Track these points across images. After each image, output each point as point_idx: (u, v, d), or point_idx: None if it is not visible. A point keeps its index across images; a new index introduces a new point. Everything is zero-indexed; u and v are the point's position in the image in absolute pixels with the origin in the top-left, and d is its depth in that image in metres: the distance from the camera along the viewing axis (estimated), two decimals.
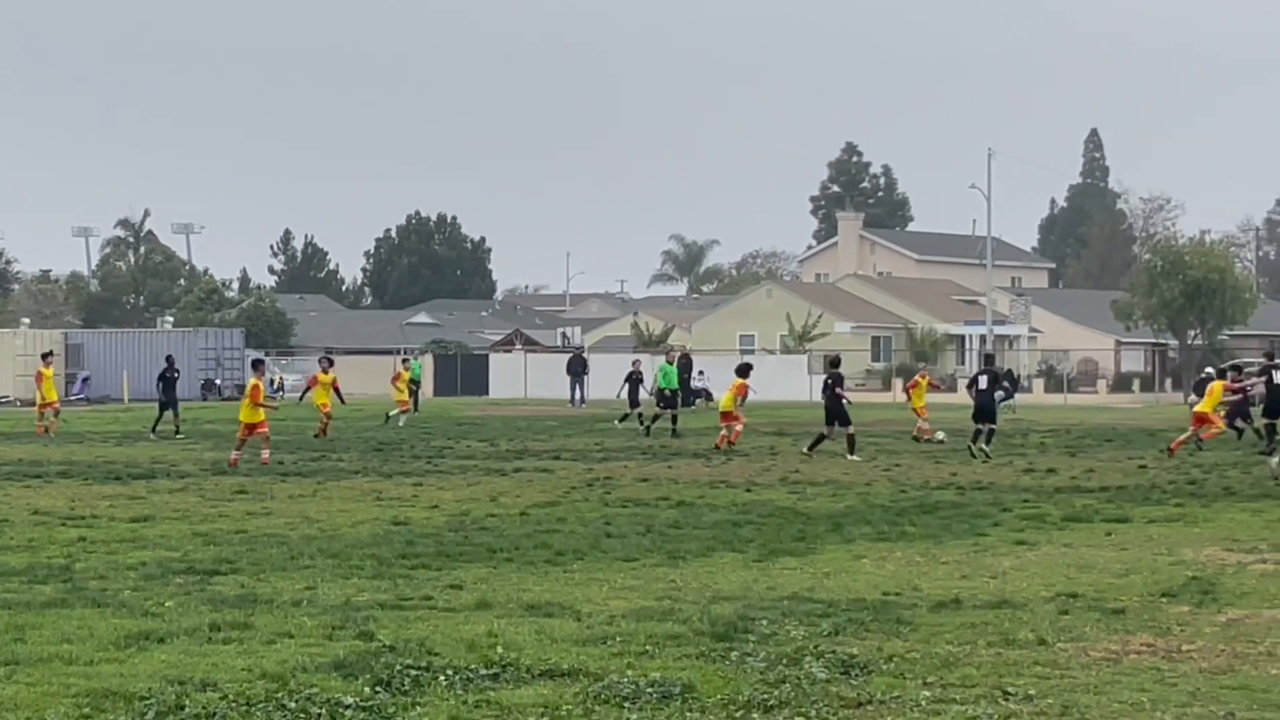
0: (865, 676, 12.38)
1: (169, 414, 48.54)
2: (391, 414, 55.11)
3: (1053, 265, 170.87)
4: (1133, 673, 12.63)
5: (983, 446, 37.87)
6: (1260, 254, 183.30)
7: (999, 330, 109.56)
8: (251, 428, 35.88)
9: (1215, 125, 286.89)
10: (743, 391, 42.63)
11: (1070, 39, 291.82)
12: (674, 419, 47.38)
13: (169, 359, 52.92)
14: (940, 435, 43.81)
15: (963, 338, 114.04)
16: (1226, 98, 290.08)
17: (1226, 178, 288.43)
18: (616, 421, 54.15)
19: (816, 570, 18.62)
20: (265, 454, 35.56)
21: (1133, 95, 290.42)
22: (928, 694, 11.74)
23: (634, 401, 55.89)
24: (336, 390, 46.60)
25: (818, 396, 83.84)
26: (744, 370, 43.63)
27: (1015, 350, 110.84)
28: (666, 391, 49.10)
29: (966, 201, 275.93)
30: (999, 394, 39.40)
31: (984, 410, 39.30)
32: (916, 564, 19.23)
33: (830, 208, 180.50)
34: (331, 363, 48.92)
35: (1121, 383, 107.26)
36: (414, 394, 64.08)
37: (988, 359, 44.23)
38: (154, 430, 47.97)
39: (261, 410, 36.16)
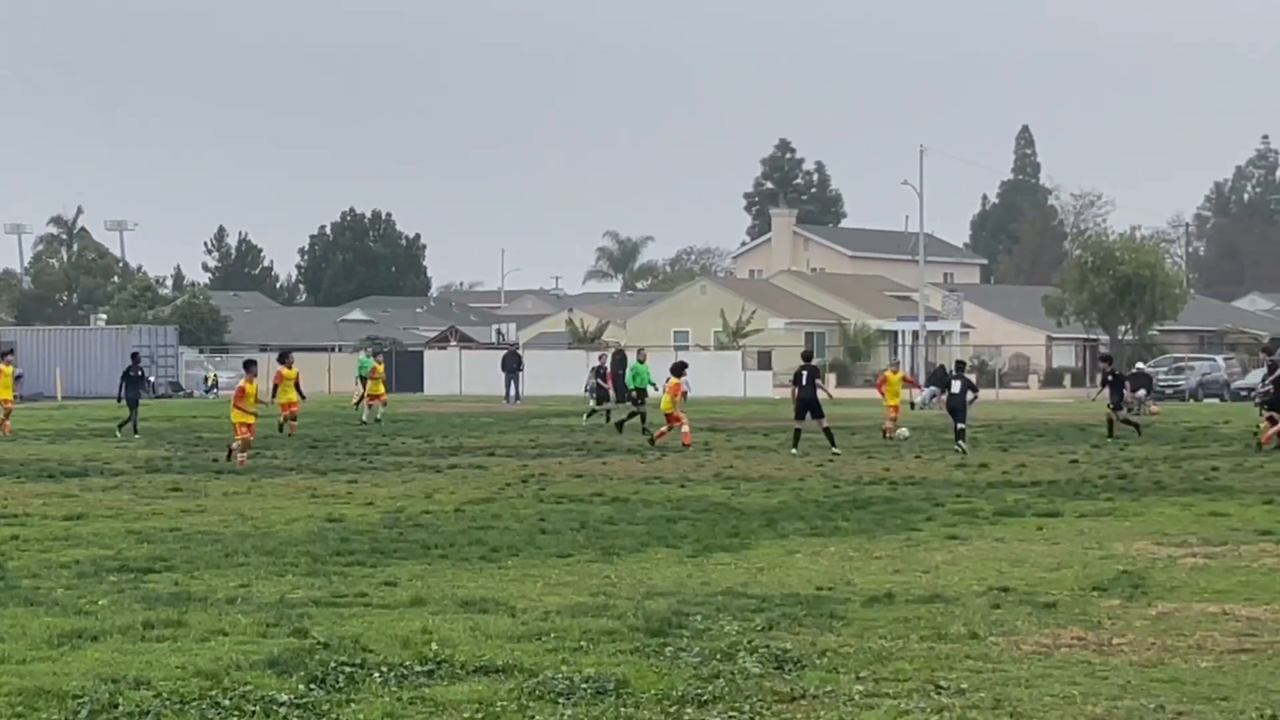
0: (798, 671, 12.40)
1: (136, 412, 47.60)
2: (366, 413, 55.08)
3: (985, 261, 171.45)
4: (1064, 666, 12.69)
5: (961, 445, 38.66)
6: (1190, 250, 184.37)
7: (931, 326, 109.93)
8: (249, 426, 35.46)
9: (1146, 122, 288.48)
10: (677, 390, 42.66)
11: (1003, 35, 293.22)
12: (643, 417, 47.35)
13: (134, 356, 52.38)
14: (904, 432, 43.95)
15: (895, 333, 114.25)
16: (1157, 94, 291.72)
17: (1157, 174, 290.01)
18: (584, 418, 54.02)
19: (750, 565, 18.66)
20: (242, 456, 34.95)
21: (1064, 92, 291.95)
22: (860, 688, 11.78)
23: (602, 397, 55.86)
24: (297, 386, 45.91)
25: (752, 392, 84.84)
26: (678, 369, 43.65)
27: (948, 346, 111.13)
28: (638, 390, 48.91)
29: (899, 198, 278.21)
30: (970, 395, 40.44)
31: (957, 410, 40.18)
32: (850, 559, 19.28)
33: (764, 204, 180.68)
34: (289, 359, 48.10)
35: (1053, 378, 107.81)
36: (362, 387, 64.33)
37: (959, 365, 44.60)
38: (121, 429, 47.05)
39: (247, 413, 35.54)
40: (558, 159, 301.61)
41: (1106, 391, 46.12)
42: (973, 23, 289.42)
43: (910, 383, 57.01)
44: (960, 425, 39.55)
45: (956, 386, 41.32)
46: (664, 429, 41.74)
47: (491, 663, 12.61)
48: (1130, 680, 12.14)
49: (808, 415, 39.40)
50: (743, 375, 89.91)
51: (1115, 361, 50.05)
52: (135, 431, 46.69)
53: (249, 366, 37.93)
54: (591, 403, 56.45)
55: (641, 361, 49.99)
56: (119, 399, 49.00)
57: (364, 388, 63.41)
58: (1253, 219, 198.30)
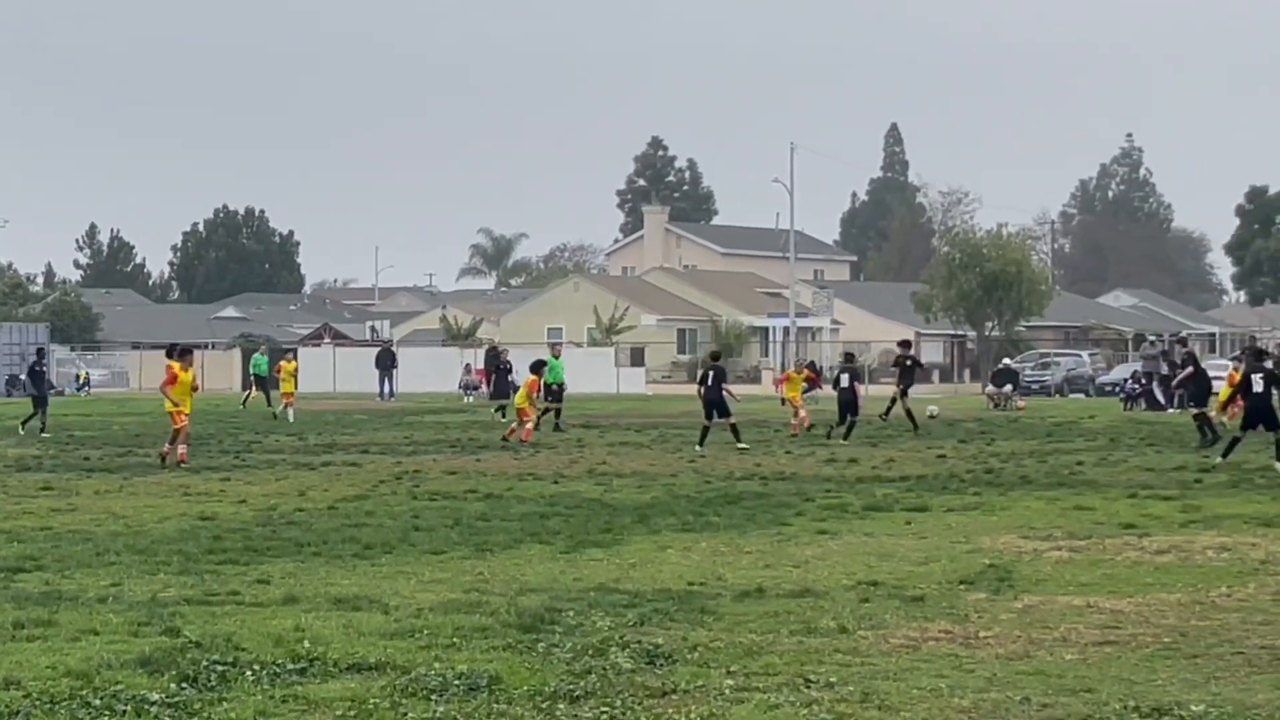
0: (670, 666, 12.43)
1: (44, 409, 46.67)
2: (278, 411, 54.84)
3: (854, 258, 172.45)
4: (931, 659, 12.79)
5: (841, 438, 39.55)
6: (1056, 246, 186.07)
7: (802, 322, 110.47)
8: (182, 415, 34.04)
9: (1013, 120, 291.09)
10: (534, 388, 42.73)
11: (871, 34, 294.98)
12: (558, 413, 47.26)
13: (38, 351, 51.69)
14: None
15: (766, 330, 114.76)
16: (1024, 92, 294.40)
17: (1024, 172, 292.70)
18: (496, 413, 53.69)
19: (623, 561, 18.67)
20: (182, 449, 34.01)
21: (932, 90, 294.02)
22: (731, 683, 11.81)
23: (503, 392, 55.71)
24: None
25: (625, 389, 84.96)
26: (536, 367, 43.73)
27: (818, 342, 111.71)
28: (554, 386, 48.76)
29: (770, 195, 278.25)
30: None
31: (847, 404, 41.38)
32: (721, 554, 19.33)
33: (636, 201, 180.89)
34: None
35: (921, 374, 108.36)
36: (256, 387, 64.51)
37: (848, 356, 44.94)
38: (25, 424, 46.33)
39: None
40: (432, 156, 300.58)
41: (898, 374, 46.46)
42: (843, 21, 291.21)
43: (813, 381, 57.29)
44: (851, 418, 40.97)
45: (845, 380, 42.73)
46: (515, 426, 41.72)
47: (364, 660, 12.56)
48: (996, 673, 12.24)
49: (714, 414, 39.58)
50: (615, 372, 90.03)
51: (914, 349, 50.02)
52: (43, 429, 45.77)
53: (185, 354, 35.41)
54: (469, 399, 56.27)
55: (556, 357, 49.95)
56: (31, 395, 48.21)
57: (257, 387, 63.18)
58: (1117, 216, 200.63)
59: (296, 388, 57.85)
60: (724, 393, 40.33)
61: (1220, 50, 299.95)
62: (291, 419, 53.00)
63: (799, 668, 12.34)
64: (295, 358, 64.40)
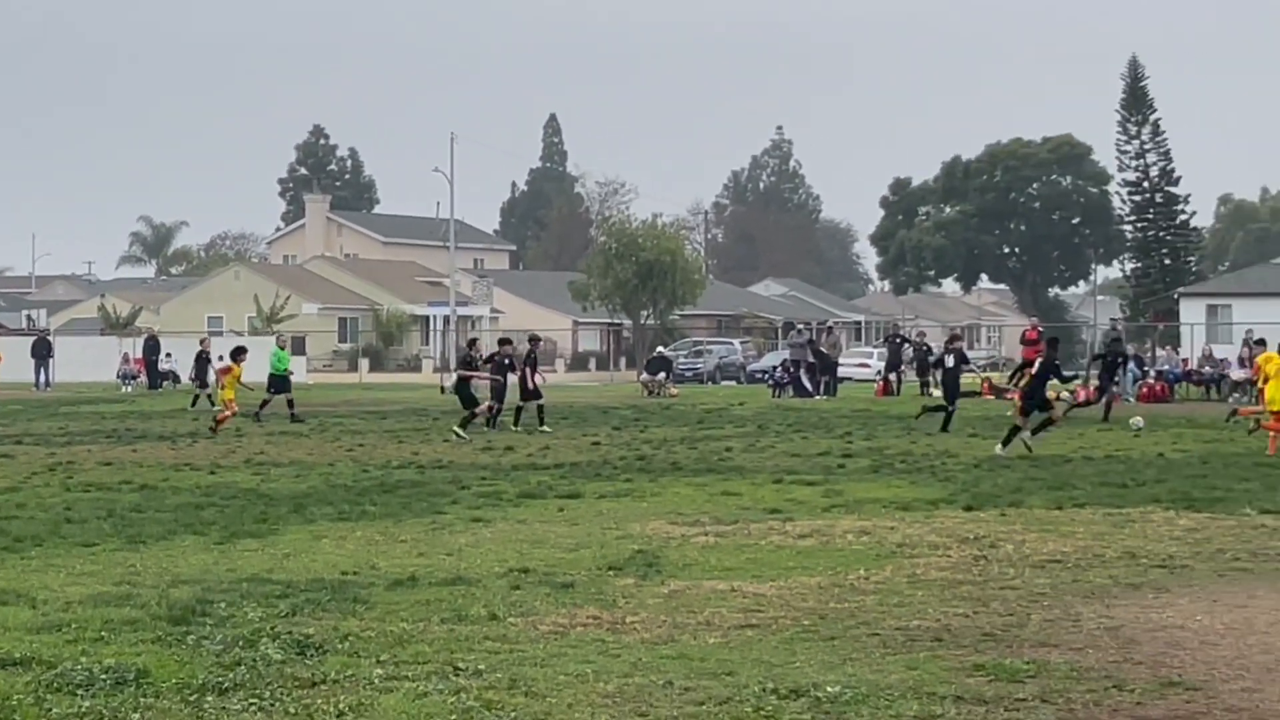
0: (320, 656, 12.32)
1: None
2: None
3: (514, 247, 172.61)
4: (579, 645, 12.86)
5: (512, 426, 40.10)
6: (709, 237, 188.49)
7: (462, 311, 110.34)
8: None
9: (668, 112, 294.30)
10: (235, 375, 42.13)
11: (530, 25, 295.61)
12: (290, 404, 46.43)
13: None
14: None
15: (427, 318, 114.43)
16: (678, 85, 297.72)
17: (679, 163, 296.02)
18: (189, 407, 52.60)
19: (277, 551, 18.48)
20: None
21: (590, 82, 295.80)
22: (380, 671, 11.75)
23: (203, 382, 54.68)
24: None
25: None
26: (236, 354, 43.12)
27: (478, 331, 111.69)
28: (277, 375, 47.83)
29: (431, 185, 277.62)
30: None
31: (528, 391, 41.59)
32: (375, 543, 19.24)
33: (298, 190, 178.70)
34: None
35: (578, 361, 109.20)
36: None
37: (533, 340, 44.65)
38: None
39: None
40: (89, 141, 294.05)
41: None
42: (503, 11, 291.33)
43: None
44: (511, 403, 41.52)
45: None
46: (224, 413, 41.04)
47: (9, 655, 12.24)
48: (641, 657, 12.36)
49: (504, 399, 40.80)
50: None
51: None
52: None
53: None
54: (127, 389, 55.17)
55: (282, 348, 49.17)
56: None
57: None
58: (768, 207, 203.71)
59: None
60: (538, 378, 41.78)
61: (868, 44, 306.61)
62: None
63: (449, 656, 12.33)
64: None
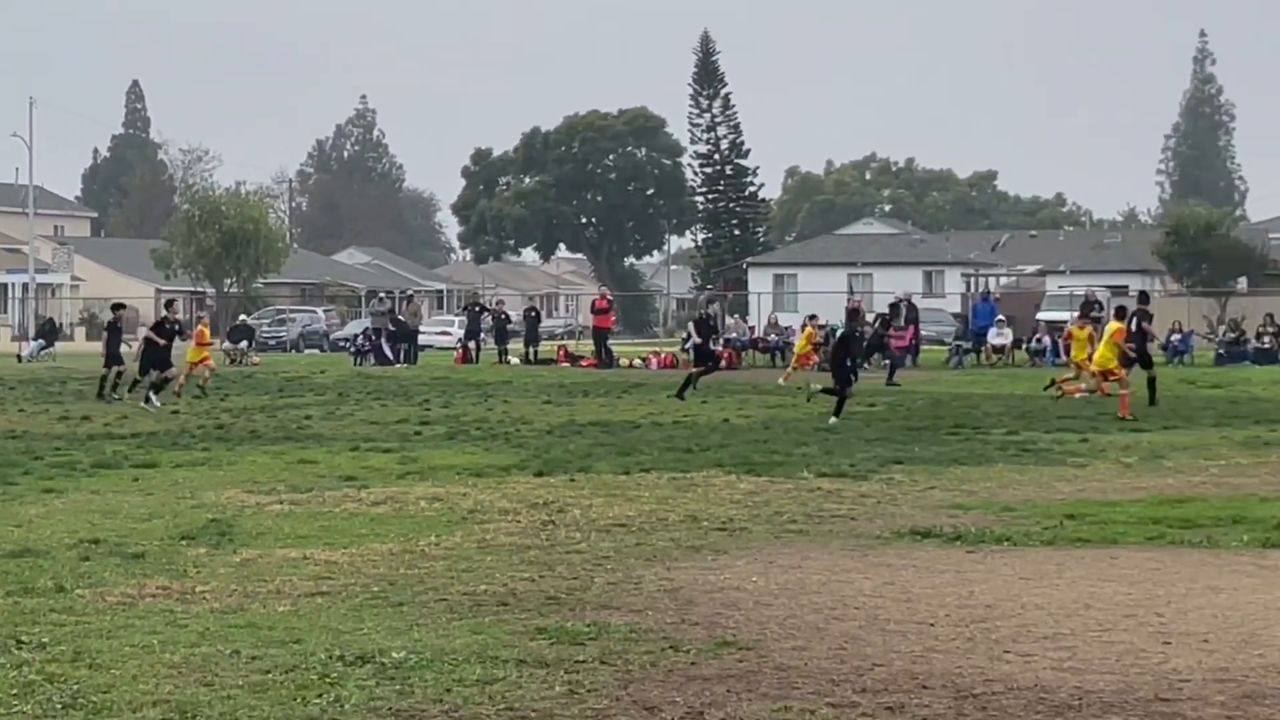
0: None
1: None
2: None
3: (95, 214, 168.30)
4: (147, 615, 12.65)
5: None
6: (294, 205, 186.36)
7: (41, 279, 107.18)
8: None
9: (253, 81, 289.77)
10: None
11: None
12: None
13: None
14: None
15: (5, 286, 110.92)
16: (259, 52, 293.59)
17: (263, 131, 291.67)
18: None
19: None
20: None
21: (173, 48, 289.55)
22: None
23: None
24: None
25: None
26: None
27: (58, 299, 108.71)
28: None
29: (10, 150, 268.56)
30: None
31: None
32: None
33: None
34: None
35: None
36: None
37: (116, 308, 43.18)
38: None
39: None
40: None
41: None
42: None
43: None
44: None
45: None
46: None
47: None
48: (210, 627, 12.21)
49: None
50: None
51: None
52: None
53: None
54: None
55: None
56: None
57: None
58: (352, 176, 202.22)
59: None
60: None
61: (449, 13, 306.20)
62: None
63: (12, 629, 12.01)
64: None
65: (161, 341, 38.13)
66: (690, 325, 45.64)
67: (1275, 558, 15.42)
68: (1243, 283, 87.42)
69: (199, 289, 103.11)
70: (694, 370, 41.54)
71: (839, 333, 36.04)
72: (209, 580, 14.22)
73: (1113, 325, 34.17)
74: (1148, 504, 19.25)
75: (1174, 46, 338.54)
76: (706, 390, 40.58)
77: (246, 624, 12.34)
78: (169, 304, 42.27)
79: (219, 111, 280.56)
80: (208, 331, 43.34)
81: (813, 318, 50.45)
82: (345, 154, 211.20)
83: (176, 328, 39.86)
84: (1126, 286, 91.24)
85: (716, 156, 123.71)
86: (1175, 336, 58.28)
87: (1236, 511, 18.29)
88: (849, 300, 52.50)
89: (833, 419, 31.31)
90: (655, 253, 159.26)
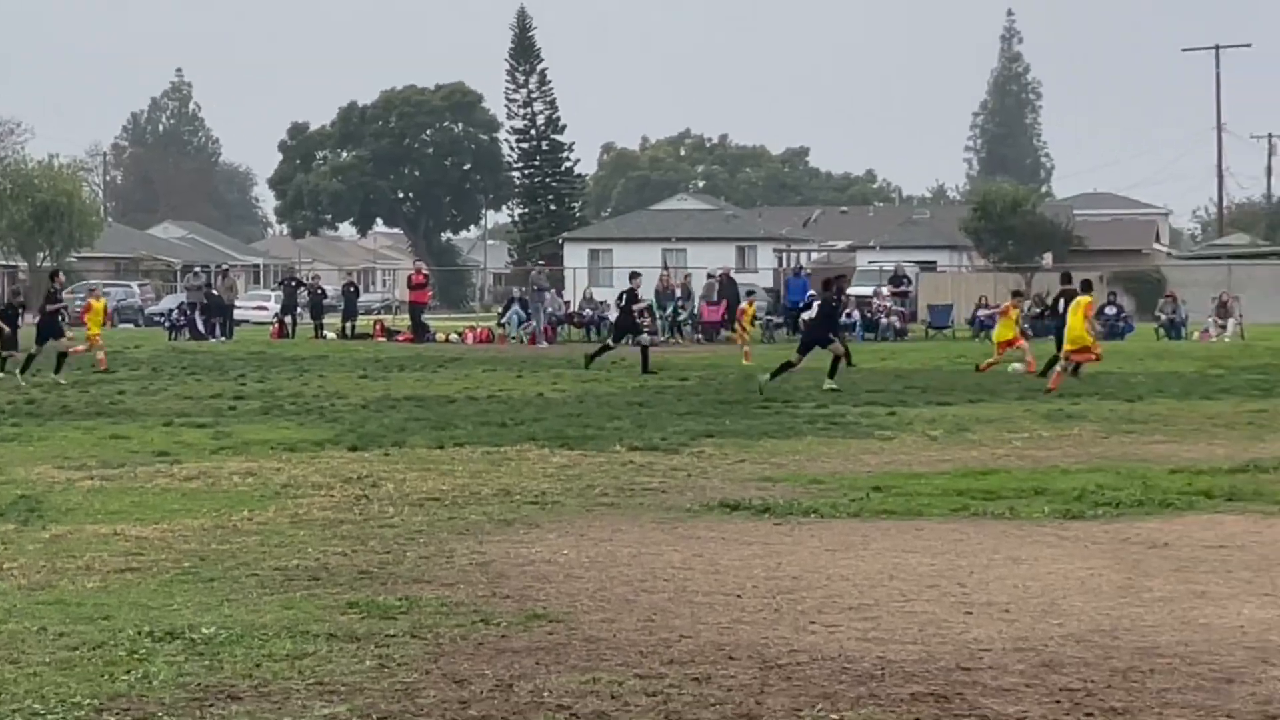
0: None
1: None
2: None
3: None
4: None
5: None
6: (108, 179, 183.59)
7: None
8: None
9: (63, 50, 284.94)
10: None
11: None
12: None
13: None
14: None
15: None
16: (74, 22, 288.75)
17: (76, 104, 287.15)
18: None
19: None
20: None
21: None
22: None
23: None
24: None
25: None
26: None
27: None
28: None
29: None
30: None
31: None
32: None
33: None
34: None
35: None
36: None
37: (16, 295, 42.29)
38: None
39: None
40: None
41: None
42: None
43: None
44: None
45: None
46: None
47: None
48: (17, 604, 12.02)
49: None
50: None
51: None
52: None
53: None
54: None
55: None
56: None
57: None
58: (167, 150, 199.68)
59: None
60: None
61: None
62: None
63: None
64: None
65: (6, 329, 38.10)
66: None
67: (1076, 528, 15.67)
68: (1048, 258, 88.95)
69: (11, 263, 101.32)
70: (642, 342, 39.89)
71: (816, 305, 35.67)
72: (17, 557, 14.00)
73: (1082, 300, 33.89)
74: (952, 476, 19.50)
75: (982, 25, 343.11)
76: (522, 364, 40.59)
77: (55, 600, 12.16)
78: (53, 275, 41.98)
79: (31, 83, 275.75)
80: (98, 305, 42.71)
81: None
82: (161, 127, 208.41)
83: (20, 310, 39.57)
84: (935, 262, 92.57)
85: (533, 132, 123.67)
86: (983, 312, 59.08)
87: (1039, 483, 18.56)
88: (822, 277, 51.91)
89: (764, 376, 32.83)
90: (472, 228, 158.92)
